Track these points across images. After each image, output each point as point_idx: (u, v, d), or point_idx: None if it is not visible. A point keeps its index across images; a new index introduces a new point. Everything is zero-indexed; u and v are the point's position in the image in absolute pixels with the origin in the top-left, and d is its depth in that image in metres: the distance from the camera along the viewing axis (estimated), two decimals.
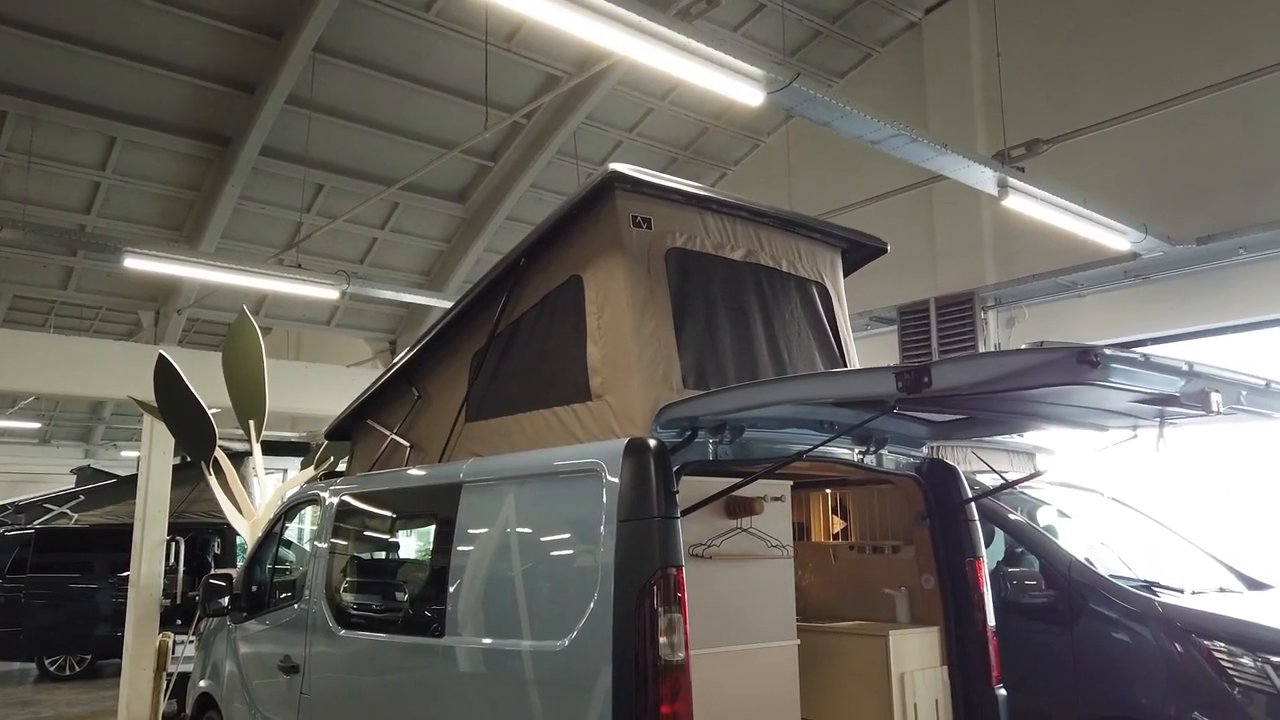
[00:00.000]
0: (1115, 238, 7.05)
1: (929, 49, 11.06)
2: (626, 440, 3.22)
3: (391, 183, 11.20)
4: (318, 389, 13.19)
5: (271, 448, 10.91)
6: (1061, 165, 7.34)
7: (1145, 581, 5.67)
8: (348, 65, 9.89)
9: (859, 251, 4.79)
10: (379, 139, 11.12)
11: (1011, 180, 5.77)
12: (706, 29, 3.99)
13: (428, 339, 4.66)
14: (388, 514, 4.75)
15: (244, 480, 8.89)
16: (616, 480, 3.14)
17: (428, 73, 10.44)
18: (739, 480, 3.31)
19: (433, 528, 4.16)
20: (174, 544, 10.88)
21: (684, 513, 3.12)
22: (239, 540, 12.62)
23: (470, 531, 3.81)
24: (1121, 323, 9.05)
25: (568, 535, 3.35)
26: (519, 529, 3.57)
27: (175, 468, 10.45)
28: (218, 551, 12.69)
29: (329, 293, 8.54)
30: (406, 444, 4.82)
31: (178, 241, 11.22)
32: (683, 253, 3.90)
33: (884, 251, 4.78)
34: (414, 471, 4.54)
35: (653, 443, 3.18)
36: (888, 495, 4.48)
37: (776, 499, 3.67)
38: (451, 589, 3.76)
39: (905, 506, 4.40)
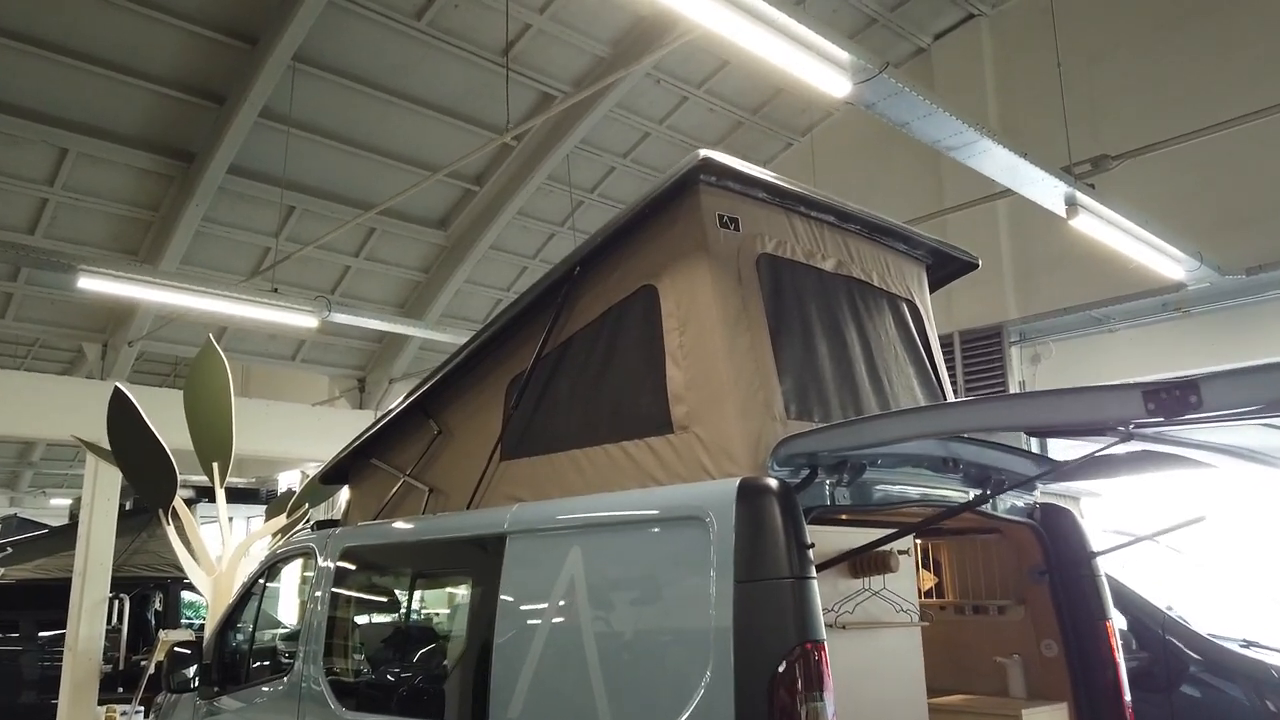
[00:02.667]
0: (1169, 266, 6.71)
1: (939, 75, 10.85)
2: (739, 480, 2.67)
3: (369, 206, 10.60)
4: (280, 429, 12.43)
5: (234, 495, 10.13)
6: (1105, 189, 7.02)
7: (1244, 640, 5.19)
8: (328, 77, 9.34)
9: (945, 267, 4.34)
10: (358, 159, 10.54)
11: (1081, 197, 5.38)
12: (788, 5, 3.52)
13: (452, 365, 4.07)
14: (405, 571, 4.10)
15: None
16: (730, 530, 2.58)
17: (414, 88, 9.93)
18: (893, 532, 2.77)
19: (467, 588, 3.55)
20: (118, 602, 9.98)
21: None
22: (184, 597, 11.72)
23: (519, 593, 3.20)
24: (1156, 359, 8.73)
25: (660, 600, 2.77)
26: (589, 591, 2.97)
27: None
28: (159, 608, 11.80)
29: (307, 320, 7.88)
30: (424, 487, 4.20)
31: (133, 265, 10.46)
32: (774, 260, 3.40)
33: (974, 266, 4.34)
34: (440, 520, 3.92)
35: (775, 483, 2.63)
36: (992, 546, 3.97)
37: (903, 552, 3.13)
38: (495, 665, 3.14)
39: (1015, 559, 3.89)
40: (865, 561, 2.98)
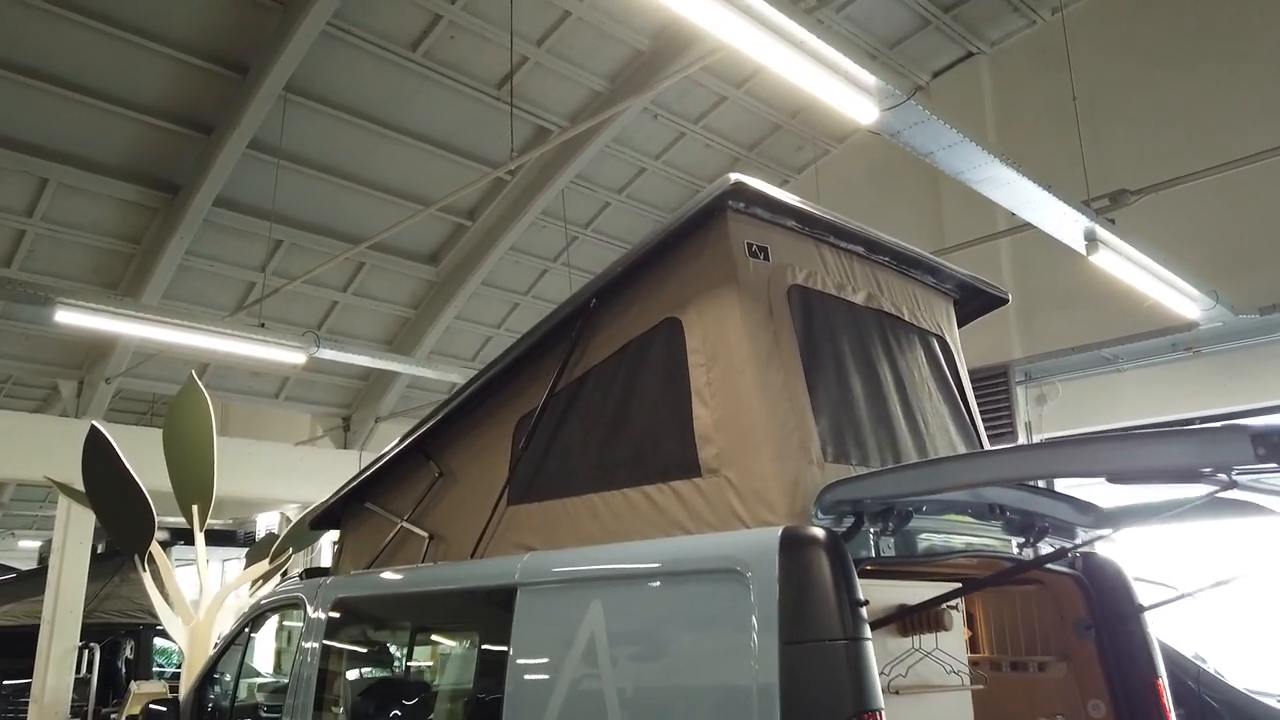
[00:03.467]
0: (1184, 304, 6.60)
1: (938, 112, 10.83)
2: (781, 530, 2.46)
3: (359, 240, 10.42)
4: (261, 469, 12.11)
5: (209, 537, 9.78)
6: (1120, 226, 6.94)
7: None
8: (320, 108, 9.21)
9: (973, 301, 4.19)
10: (348, 192, 10.37)
11: (1101, 233, 5.26)
12: (818, 25, 3.39)
13: (455, 403, 3.86)
14: (403, 625, 3.85)
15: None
16: (774, 586, 2.37)
17: (407, 120, 9.81)
18: (956, 589, 2.56)
19: (471, 645, 3.31)
20: (87, 651, 9.57)
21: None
22: (155, 643, 11.29)
23: (531, 652, 2.96)
24: (1166, 400, 8.61)
25: (692, 663, 2.54)
26: (611, 651, 2.74)
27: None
28: (130, 656, 11.36)
29: (294, 356, 7.64)
30: (424, 534, 3.97)
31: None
32: (805, 291, 3.22)
33: (1004, 301, 4.19)
34: (442, 569, 3.68)
35: (822, 533, 2.42)
36: (1031, 598, 3.76)
37: (952, 607, 2.92)
38: None
39: (1055, 612, 3.68)
40: (916, 619, 2.77)
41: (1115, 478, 2.02)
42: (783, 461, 2.79)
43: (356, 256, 11.14)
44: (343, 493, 4.40)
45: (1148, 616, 3.50)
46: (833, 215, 3.33)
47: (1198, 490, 2.43)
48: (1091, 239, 5.34)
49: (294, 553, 7.99)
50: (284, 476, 12.42)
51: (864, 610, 2.31)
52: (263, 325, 7.60)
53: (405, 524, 4.07)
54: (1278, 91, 7.97)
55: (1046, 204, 4.86)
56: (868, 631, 2.28)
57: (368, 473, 4.25)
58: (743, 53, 3.49)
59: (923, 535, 2.88)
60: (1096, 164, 7.31)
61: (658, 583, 2.73)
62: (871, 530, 2.68)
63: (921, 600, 2.71)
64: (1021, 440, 9.01)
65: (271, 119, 8.89)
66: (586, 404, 3.41)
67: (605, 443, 3.29)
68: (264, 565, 7.66)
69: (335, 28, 8.40)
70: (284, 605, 4.39)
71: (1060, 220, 5.09)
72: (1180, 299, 6.69)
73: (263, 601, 4.60)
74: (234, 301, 11.03)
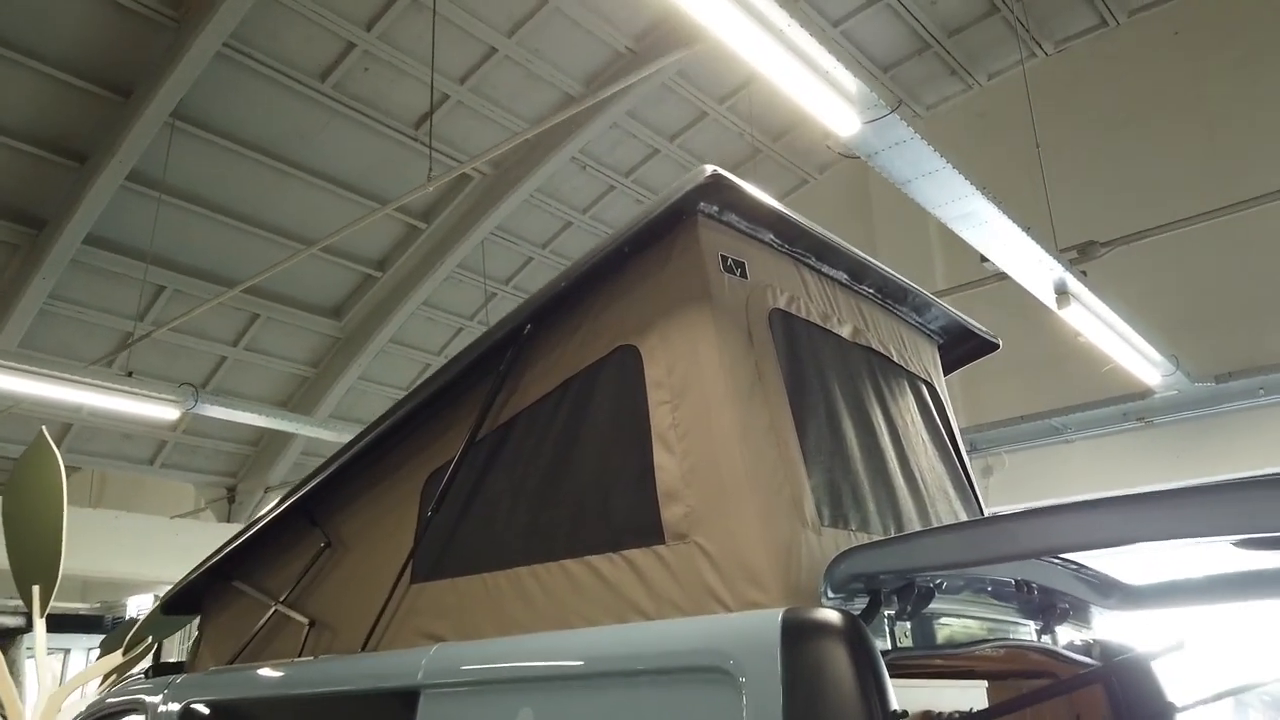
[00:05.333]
0: (1145, 370, 6.39)
1: (874, 175, 10.76)
2: (783, 612, 1.90)
3: (251, 289, 9.66)
4: (131, 545, 10.95)
5: (57, 622, 8.62)
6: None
7: None
8: (212, 139, 8.53)
9: (959, 346, 3.77)
10: (241, 234, 9.62)
11: (1072, 285, 4.97)
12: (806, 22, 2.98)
13: (349, 455, 3.21)
14: None
15: (12, 668, 6.70)
16: (775, 690, 1.79)
17: (312, 158, 9.19)
18: (1024, 694, 2.02)
19: None
20: None
21: None
22: None
23: None
24: (1117, 472, 8.41)
25: None
26: None
27: None
28: None
29: (167, 412, 6.78)
30: (304, 620, 3.25)
31: None
32: (788, 318, 2.72)
33: (995, 347, 3.78)
34: (324, 665, 2.98)
35: (838, 617, 1.86)
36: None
37: (981, 714, 2.38)
38: None
39: (1067, 712, 3.16)
40: None
41: (1254, 540, 1.52)
42: (772, 523, 2.23)
43: (249, 306, 10.33)
44: (205, 568, 3.65)
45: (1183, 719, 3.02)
46: (818, 229, 2.86)
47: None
48: (1063, 291, 5.04)
49: (155, 643, 6.97)
50: (156, 553, 11.28)
51: None
52: (130, 374, 6.75)
53: (281, 606, 3.34)
54: (1233, 151, 8.04)
55: (1023, 248, 4.54)
56: None
57: (237, 543, 3.51)
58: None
59: (941, 620, 2.35)
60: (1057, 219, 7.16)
61: (610, 686, 2.11)
62: (887, 614, 2.14)
63: (951, 711, 2.16)
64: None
65: (155, 148, 8.15)
66: (516, 454, 2.81)
67: (539, 502, 2.69)
68: (116, 658, 6.62)
69: (234, 50, 7.79)
70: (119, 712, 3.57)
71: (1035, 267, 4.78)
72: (1141, 363, 6.48)
73: (93, 707, 3.76)
74: (104, 353, 10.04)
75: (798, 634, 1.84)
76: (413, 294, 10.87)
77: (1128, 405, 7.96)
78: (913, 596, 2.13)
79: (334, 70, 8.34)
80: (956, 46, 9.70)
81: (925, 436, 3.17)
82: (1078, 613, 2.96)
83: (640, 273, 2.65)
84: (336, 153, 9.20)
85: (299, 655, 3.19)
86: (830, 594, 1.99)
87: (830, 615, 1.86)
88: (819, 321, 2.86)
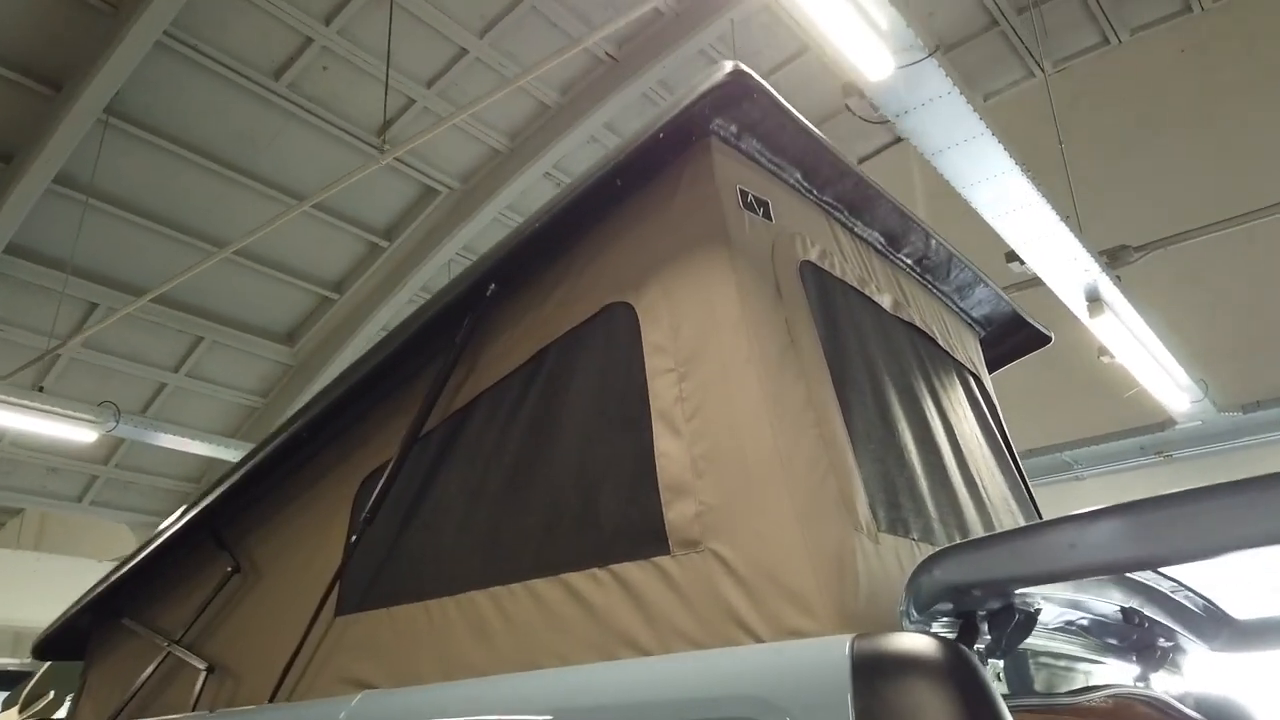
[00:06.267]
0: (1173, 395, 5.93)
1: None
2: (851, 641, 1.35)
3: (192, 309, 9.05)
4: (54, 590, 10.08)
5: None
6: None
7: None
8: (150, 139, 7.95)
9: (1004, 341, 3.27)
10: (181, 247, 9.00)
11: (1105, 292, 4.51)
12: None
13: (260, 457, 2.64)
14: None
15: None
16: None
17: (264, 164, 8.65)
18: None
19: None
20: None
21: None
22: None
23: None
24: None
25: None
26: None
27: None
28: None
29: (82, 433, 6.12)
30: (200, 664, 2.64)
31: None
32: (820, 274, 2.20)
33: (1047, 341, 3.28)
34: None
35: (937, 647, 1.31)
36: None
37: None
38: None
39: None
40: None
41: None
42: (817, 524, 1.69)
43: (192, 329, 9.70)
44: (86, 603, 3.03)
45: None
46: (855, 167, 2.35)
47: None
48: (1095, 298, 4.57)
49: (61, 695, 6.23)
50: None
51: None
52: (40, 389, 6.09)
53: (175, 647, 2.73)
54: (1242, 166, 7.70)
55: (1058, 242, 4.07)
56: None
57: (124, 570, 2.90)
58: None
59: (1041, 659, 1.80)
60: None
61: None
62: (978, 647, 1.59)
63: None
64: None
65: (86, 148, 7.56)
66: (474, 447, 2.25)
67: (503, 507, 2.13)
68: (12, 716, 5.88)
69: (177, 41, 7.27)
70: None
71: (1069, 267, 4.31)
72: (1168, 388, 6.02)
73: None
74: (23, 374, 9.33)
75: (877, 670, 1.29)
76: (372, 318, 10.27)
77: (1146, 437, 7.51)
78: (1012, 623, 1.58)
79: (289, 68, 7.83)
80: (953, 64, 9.41)
81: (979, 434, 2.65)
82: (1174, 655, 2.43)
83: (637, 211, 2.13)
84: (290, 159, 8.66)
85: (192, 708, 2.57)
86: (915, 615, 1.43)
87: (925, 644, 1.31)
88: (856, 286, 2.35)
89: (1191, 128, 8.17)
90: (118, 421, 6.40)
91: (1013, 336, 3.25)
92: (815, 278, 2.16)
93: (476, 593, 2.06)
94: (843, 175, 2.33)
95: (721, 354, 1.86)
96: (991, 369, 3.30)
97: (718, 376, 1.85)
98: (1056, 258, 4.27)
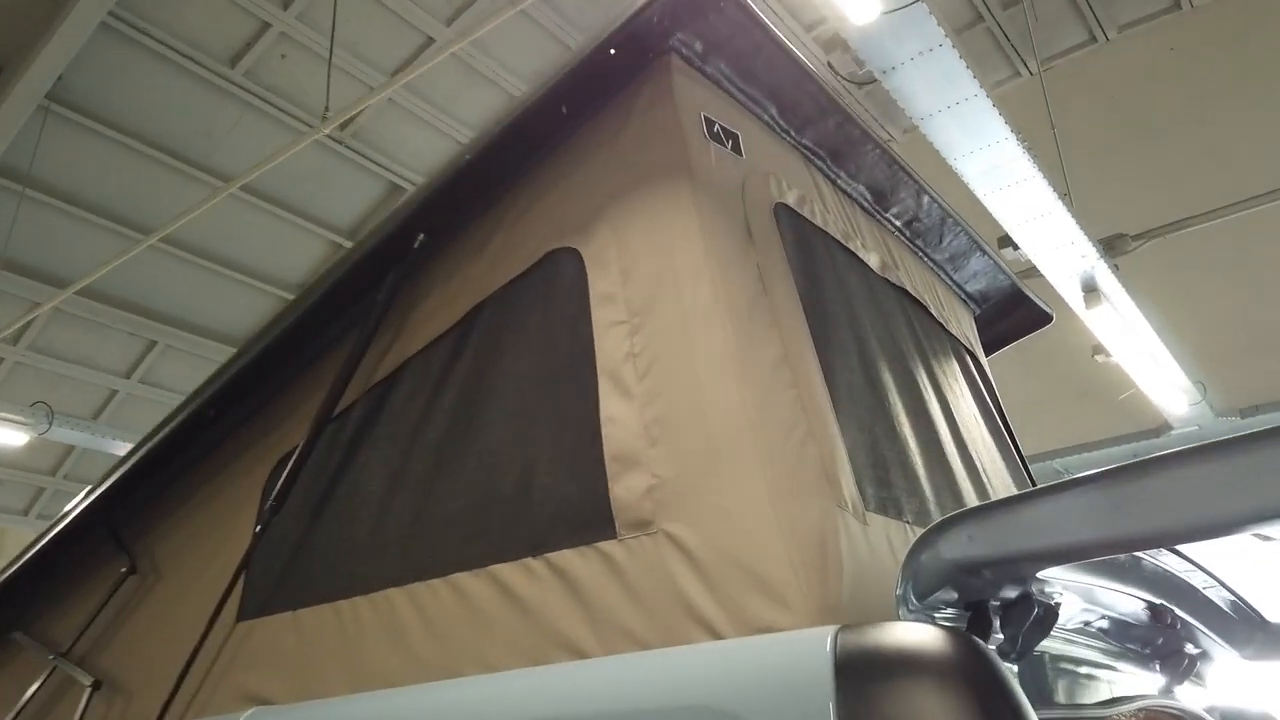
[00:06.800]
0: (1171, 397, 5.71)
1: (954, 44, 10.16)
2: (834, 633, 1.06)
3: (147, 312, 8.70)
4: None
5: None
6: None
7: None
8: (96, 128, 7.60)
9: (1001, 320, 3.01)
10: (124, 242, 8.63)
11: (1102, 281, 4.27)
12: None
13: (155, 442, 2.34)
14: None
15: None
16: None
17: (218, 158, 8.31)
18: None
19: None
20: None
21: None
22: None
23: None
24: None
25: None
26: None
27: None
28: None
29: (12, 436, 5.76)
30: (86, 681, 2.32)
31: None
32: (798, 221, 1.93)
33: (1047, 320, 3.03)
34: None
35: (941, 640, 1.03)
36: None
37: None
38: None
39: None
40: None
41: None
42: (793, 501, 1.41)
43: (144, 333, 9.34)
44: None
45: None
46: (842, 102, 2.08)
47: None
48: (1092, 288, 4.33)
49: None
50: None
51: None
52: None
53: (60, 661, 2.40)
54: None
55: (1055, 222, 3.82)
56: None
57: (9, 575, 2.57)
58: None
59: (1061, 665, 1.53)
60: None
61: None
62: (997, 635, 1.32)
63: None
64: None
65: (25, 136, 7.22)
66: (395, 424, 1.96)
67: (426, 491, 1.83)
68: None
69: (124, 23, 6.96)
70: None
71: (1065, 252, 4.06)
72: (1166, 389, 5.80)
73: None
74: None
75: (868, 669, 1.00)
76: None
77: (1141, 443, 7.28)
78: (1030, 618, 1.30)
79: (245, 55, 7.53)
80: None
81: (978, 415, 2.38)
82: (1201, 663, 2.16)
83: (584, 143, 1.86)
84: (247, 153, 8.33)
85: None
86: (913, 602, 1.15)
87: (930, 636, 1.02)
88: (840, 239, 2.07)
89: (1183, 125, 8.01)
90: (50, 424, 6.04)
91: (1010, 315, 2.99)
92: (792, 223, 1.89)
93: (393, 590, 1.77)
94: (825, 113, 2.07)
95: (681, 303, 1.58)
96: (987, 352, 3.05)
97: (676, 328, 1.57)
98: (1053, 241, 4.03)
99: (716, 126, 1.81)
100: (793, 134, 2.09)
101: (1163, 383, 5.59)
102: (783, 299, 1.67)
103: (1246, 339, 7.12)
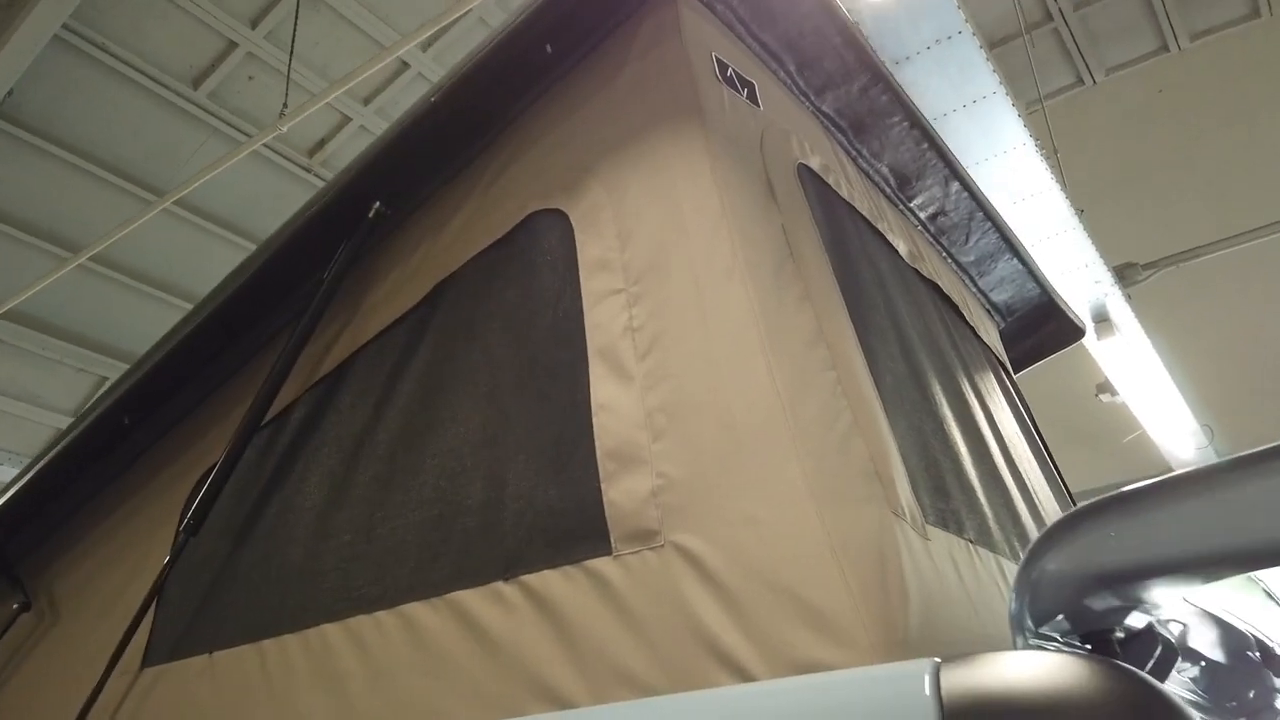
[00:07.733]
0: (1177, 440, 5.48)
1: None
2: (933, 670, 0.76)
3: (99, 346, 8.32)
4: None
5: None
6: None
7: None
8: (46, 147, 7.26)
9: (1028, 335, 2.75)
10: (78, 272, 8.25)
11: (1114, 310, 4.05)
12: None
13: (52, 456, 2.01)
14: None
15: None
16: None
17: (180, 184, 7.98)
18: None
19: None
20: None
21: None
22: None
23: None
24: None
25: None
26: None
27: None
28: None
29: None
30: None
31: None
32: (822, 185, 1.66)
33: (1080, 334, 2.77)
34: None
35: (1105, 675, 0.72)
36: None
37: None
38: None
39: None
40: None
41: None
42: (841, 505, 1.12)
43: (96, 368, 8.93)
44: None
45: None
46: (875, 54, 1.82)
47: None
48: (1103, 318, 4.10)
49: None
50: None
51: None
52: None
53: None
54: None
55: (1070, 241, 3.60)
56: None
57: None
58: None
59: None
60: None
61: None
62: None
63: None
64: None
65: None
66: (339, 428, 1.65)
67: (372, 507, 1.52)
68: None
69: (80, 38, 6.68)
70: None
71: (1078, 276, 3.84)
72: (1172, 431, 5.57)
73: None
74: None
75: (993, 716, 0.70)
76: None
77: None
78: (1154, 656, 1.00)
79: (209, 75, 7.26)
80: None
81: (1015, 427, 2.11)
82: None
83: (574, 90, 1.58)
84: (213, 181, 8.02)
85: None
86: (1032, 627, 0.85)
87: (1087, 671, 0.72)
88: (867, 217, 1.81)
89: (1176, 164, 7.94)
90: None
91: (1039, 330, 2.73)
92: (818, 188, 1.62)
93: (329, 626, 1.44)
94: (849, 74, 1.81)
95: (693, 264, 1.29)
96: (1020, 366, 2.79)
97: (687, 294, 1.28)
98: (1066, 264, 3.81)
99: (730, 70, 1.55)
100: (812, 98, 1.83)
101: (1168, 425, 5.37)
102: (814, 267, 1.39)
103: (1255, 381, 6.94)
